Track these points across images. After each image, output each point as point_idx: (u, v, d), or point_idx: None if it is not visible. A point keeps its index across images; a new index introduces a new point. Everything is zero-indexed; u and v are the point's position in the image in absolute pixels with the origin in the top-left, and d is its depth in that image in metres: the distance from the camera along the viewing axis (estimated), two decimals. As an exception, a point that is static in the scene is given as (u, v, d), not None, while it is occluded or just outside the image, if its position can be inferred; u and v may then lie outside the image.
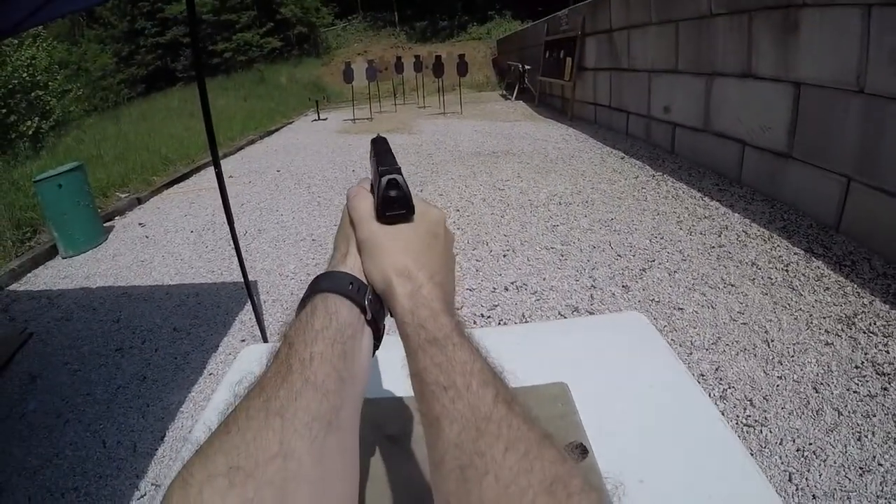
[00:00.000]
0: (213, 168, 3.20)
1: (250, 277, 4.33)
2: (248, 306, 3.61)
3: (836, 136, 4.19)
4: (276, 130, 13.62)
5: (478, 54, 22.27)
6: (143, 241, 5.67)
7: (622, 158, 6.99)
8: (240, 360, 1.31)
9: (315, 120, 14.58)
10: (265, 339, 3.52)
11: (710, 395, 2.75)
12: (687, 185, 5.66)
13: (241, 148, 11.05)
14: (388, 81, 15.66)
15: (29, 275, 5.21)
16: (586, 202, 5.43)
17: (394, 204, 0.57)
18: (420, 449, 0.94)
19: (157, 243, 5.54)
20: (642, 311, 3.44)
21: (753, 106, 5.24)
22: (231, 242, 3.38)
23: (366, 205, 0.60)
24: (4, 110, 11.43)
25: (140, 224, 6.30)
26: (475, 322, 3.52)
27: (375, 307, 0.55)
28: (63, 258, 5.45)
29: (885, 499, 2.16)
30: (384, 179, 0.57)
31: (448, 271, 0.60)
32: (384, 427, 1.04)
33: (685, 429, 0.96)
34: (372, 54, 23.41)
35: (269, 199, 6.67)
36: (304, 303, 0.55)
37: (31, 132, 11.73)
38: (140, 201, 7.31)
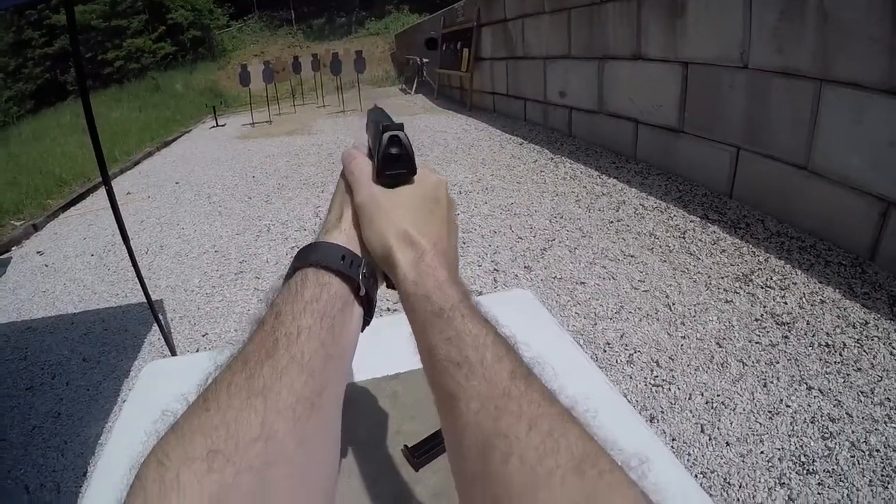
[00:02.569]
0: (104, 186, 2.98)
1: (154, 296, 4.12)
2: (156, 326, 3.43)
3: (724, 109, 4.33)
4: (174, 140, 13.03)
5: (376, 50, 22.15)
6: (42, 270, 5.28)
7: (521, 144, 7.03)
8: (143, 378, 1.24)
9: (213, 127, 14.03)
10: (174, 355, 3.37)
11: (616, 361, 2.81)
12: (585, 165, 5.73)
13: (137, 162, 10.48)
14: (287, 82, 15.31)
15: None
16: (486, 189, 5.41)
17: (396, 162, 0.54)
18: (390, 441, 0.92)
19: (58, 271, 5.18)
20: (545, 288, 3.43)
21: (645, 86, 5.37)
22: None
23: (364, 166, 0.57)
24: None
25: (38, 252, 5.85)
26: (381, 316, 3.42)
27: (369, 283, 0.52)
28: None
29: (797, 436, 2.23)
30: (386, 136, 0.54)
31: (451, 238, 0.57)
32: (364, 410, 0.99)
33: (573, 396, 0.92)
34: (269, 55, 22.82)
35: (169, 214, 6.34)
36: (291, 272, 0.51)
37: None
38: (36, 228, 6.77)
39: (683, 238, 3.86)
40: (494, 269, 3.76)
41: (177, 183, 7.93)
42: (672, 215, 4.23)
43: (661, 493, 0.53)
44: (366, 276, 0.51)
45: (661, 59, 5.06)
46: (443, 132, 8.58)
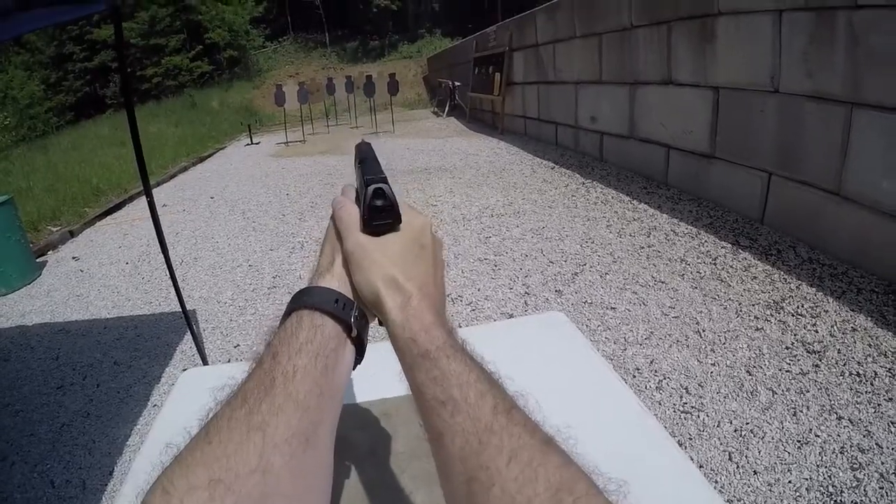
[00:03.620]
0: (145, 197, 3.09)
1: (188, 306, 4.20)
2: (188, 335, 3.51)
3: (755, 134, 4.35)
4: (209, 156, 13.32)
5: (409, 73, 22.43)
6: (77, 275, 5.43)
7: (552, 168, 7.09)
8: (180, 385, 1.28)
9: (248, 144, 14.33)
10: (205, 363, 3.44)
11: (645, 387, 2.80)
12: (616, 190, 5.76)
13: (173, 175, 10.75)
14: (321, 103, 15.57)
15: None
16: (518, 213, 5.46)
17: (380, 213, 0.57)
18: (391, 458, 0.95)
19: (93, 277, 5.32)
20: (576, 312, 3.47)
21: (676, 111, 5.40)
22: (167, 272, 3.28)
23: (351, 215, 0.59)
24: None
25: (74, 258, 6.02)
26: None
27: (361, 324, 0.55)
28: None
29: (826, 467, 2.22)
30: (370, 189, 0.56)
31: (437, 279, 0.59)
32: (352, 436, 1.03)
33: (606, 417, 0.98)
34: (303, 76, 23.31)
35: (203, 227, 6.49)
36: (287, 314, 0.54)
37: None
38: (73, 234, 7.00)
39: (714, 264, 3.87)
40: (525, 293, 3.81)
41: (212, 198, 8.13)
42: (703, 241, 4.24)
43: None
44: (357, 318, 0.54)
45: (692, 84, 5.09)
46: (475, 155, 8.68)
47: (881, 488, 2.11)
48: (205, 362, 3.42)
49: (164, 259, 3.22)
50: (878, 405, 2.48)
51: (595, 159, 7.17)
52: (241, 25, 26.81)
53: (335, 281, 0.56)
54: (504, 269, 4.20)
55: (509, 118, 10.49)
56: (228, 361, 3.55)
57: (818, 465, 2.24)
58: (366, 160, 0.65)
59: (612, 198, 5.55)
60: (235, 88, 24.38)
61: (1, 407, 3.38)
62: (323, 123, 15.54)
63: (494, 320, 3.53)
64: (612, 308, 3.50)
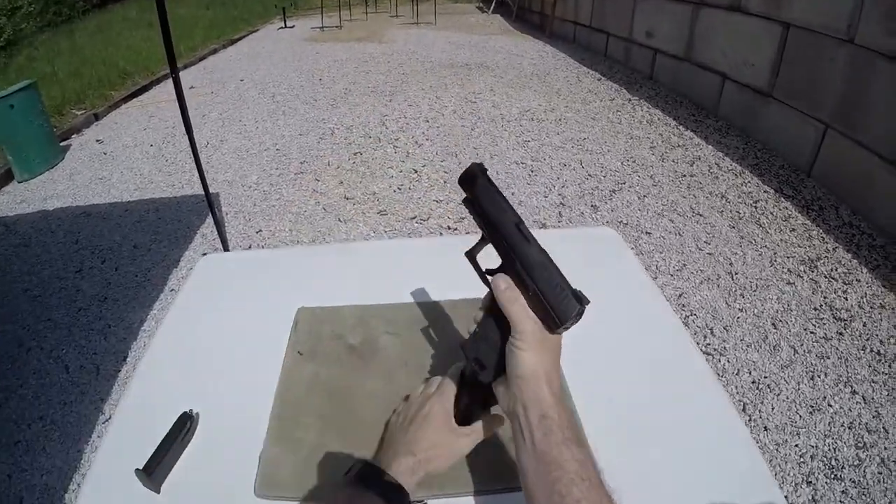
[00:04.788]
0: (171, 76, 2.95)
1: (212, 189, 4.14)
2: (210, 219, 3.45)
3: (819, 81, 4.09)
4: (240, 39, 12.82)
5: (456, -38, 21.40)
6: (100, 157, 5.35)
7: (599, 80, 6.82)
8: (198, 270, 1.28)
9: (281, 28, 13.78)
10: (226, 250, 3.41)
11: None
12: (663, 112, 5.55)
13: (202, 58, 10.35)
14: (361, -12, 14.96)
15: None
16: (559, 120, 5.29)
17: (576, 317, 0.61)
18: (382, 356, 0.98)
19: (116, 159, 5.24)
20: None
21: (739, 40, 5.09)
22: (191, 155, 3.17)
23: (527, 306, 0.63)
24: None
25: (97, 140, 5.91)
26: (441, 234, 3.44)
27: None
28: (19, 182, 5.13)
29: (832, 438, 2.21)
30: (574, 298, 0.61)
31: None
32: (346, 336, 1.02)
33: (658, 355, 0.98)
34: (344, -45, 22.24)
35: (231, 110, 6.33)
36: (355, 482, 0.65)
37: (-21, 57, 10.49)
38: (97, 117, 6.83)
39: (755, 207, 3.75)
40: (560, 203, 3.72)
41: (241, 80, 7.89)
42: (746, 181, 4.09)
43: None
44: None
45: (761, 15, 4.76)
46: (518, 56, 8.35)
47: (880, 473, 2.11)
48: (225, 247, 3.40)
49: (188, 141, 3.08)
50: (893, 388, 2.44)
51: (645, 77, 6.88)
52: None
53: (410, 479, 0.65)
54: (540, 176, 4.10)
55: (559, 22, 10.02)
56: (249, 248, 3.52)
57: (825, 435, 2.24)
58: (488, 201, 0.69)
59: (658, 119, 5.35)
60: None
61: (20, 292, 3.40)
62: (361, 10, 14.92)
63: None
64: (647, 233, 3.43)
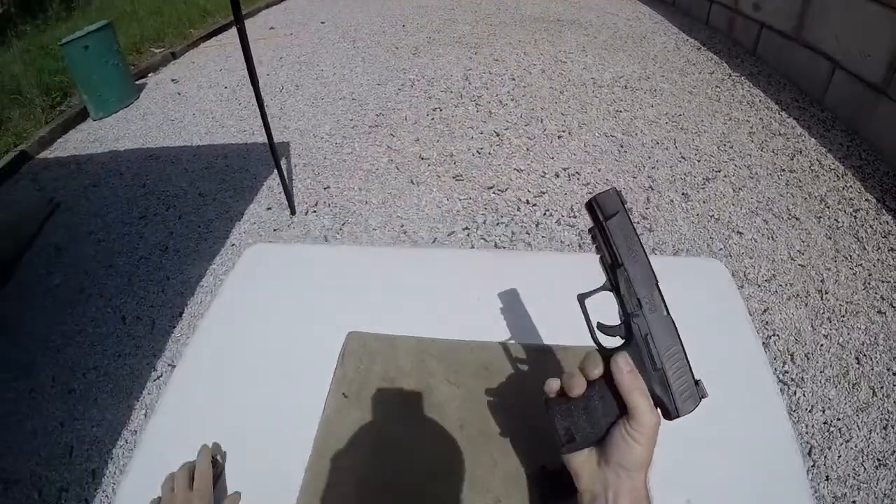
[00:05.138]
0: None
1: (282, 137, 4.14)
2: (276, 168, 3.41)
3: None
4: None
5: None
6: (174, 98, 5.38)
7: (698, 49, 6.44)
8: (244, 260, 1.23)
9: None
10: (292, 210, 3.41)
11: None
12: (765, 93, 5.20)
13: None
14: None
15: (59, 140, 5.01)
16: (654, 90, 5.00)
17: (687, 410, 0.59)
18: (438, 411, 0.87)
19: (190, 100, 5.26)
20: (699, 226, 3.22)
21: (856, 25, 4.68)
22: (265, 101, 3.20)
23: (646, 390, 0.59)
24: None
25: (173, 80, 5.93)
26: (519, 209, 3.31)
27: None
28: (94, 120, 5.23)
29: (891, 499, 2.08)
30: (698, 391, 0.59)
31: None
32: (400, 380, 0.93)
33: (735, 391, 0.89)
34: None
35: (310, 53, 6.22)
36: None
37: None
38: (174, 56, 6.84)
39: (854, 216, 3.46)
40: (650, 187, 3.54)
41: (322, 22, 7.73)
42: (848, 184, 3.78)
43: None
44: None
45: (884, 3, 4.39)
46: (614, 15, 7.94)
47: None
48: (290, 202, 3.39)
49: (257, 92, 3.09)
50: None
51: (747, 52, 6.46)
52: None
53: None
54: (631, 153, 3.90)
55: (658, -19, 9.53)
56: (316, 205, 3.45)
57: (885, 495, 2.10)
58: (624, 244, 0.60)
59: (760, 102, 5.01)
60: None
61: (85, 235, 3.44)
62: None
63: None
64: (738, 232, 3.23)
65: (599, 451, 0.59)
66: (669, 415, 0.58)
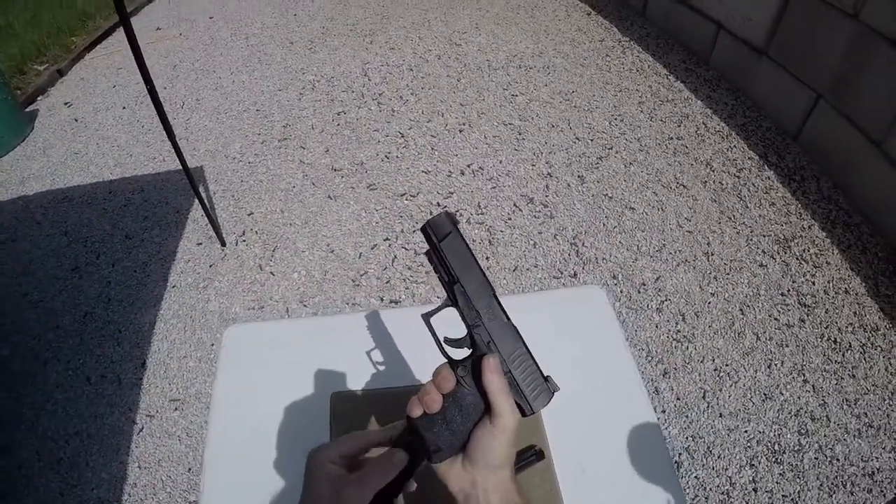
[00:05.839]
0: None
1: (195, 162, 4.05)
2: (198, 201, 3.40)
3: (817, 49, 4.01)
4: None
5: None
6: (72, 125, 5.08)
7: (588, 15, 6.60)
8: (227, 344, 1.33)
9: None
10: (222, 242, 3.40)
11: (647, 306, 2.92)
12: (653, 57, 5.44)
13: None
14: None
15: None
16: (547, 67, 5.17)
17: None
18: None
19: (89, 127, 4.98)
20: (594, 206, 3.44)
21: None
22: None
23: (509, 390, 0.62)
24: None
25: (66, 104, 5.57)
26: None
27: None
28: None
29: (779, 425, 2.44)
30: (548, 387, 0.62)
31: None
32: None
33: (621, 421, 1.16)
34: None
35: (204, 57, 6.00)
36: None
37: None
38: (61, 73, 6.36)
39: (738, 177, 3.78)
40: (548, 174, 3.73)
41: (211, 17, 7.35)
42: (732, 145, 4.09)
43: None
44: None
45: None
46: (504, -20, 8.05)
47: (816, 458, 2.33)
48: (219, 235, 3.38)
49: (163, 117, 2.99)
50: (841, 378, 2.62)
51: (637, 13, 6.67)
52: None
53: None
54: (528, 140, 4.08)
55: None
56: (243, 234, 3.50)
57: (773, 422, 2.45)
58: (459, 262, 0.63)
59: (649, 67, 5.26)
60: None
61: (19, 297, 3.33)
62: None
63: (514, 203, 3.50)
64: (631, 208, 3.48)
65: (464, 455, 0.62)
66: (525, 412, 0.61)
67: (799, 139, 4.14)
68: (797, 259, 3.19)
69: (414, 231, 3.40)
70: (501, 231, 3.31)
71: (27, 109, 5.51)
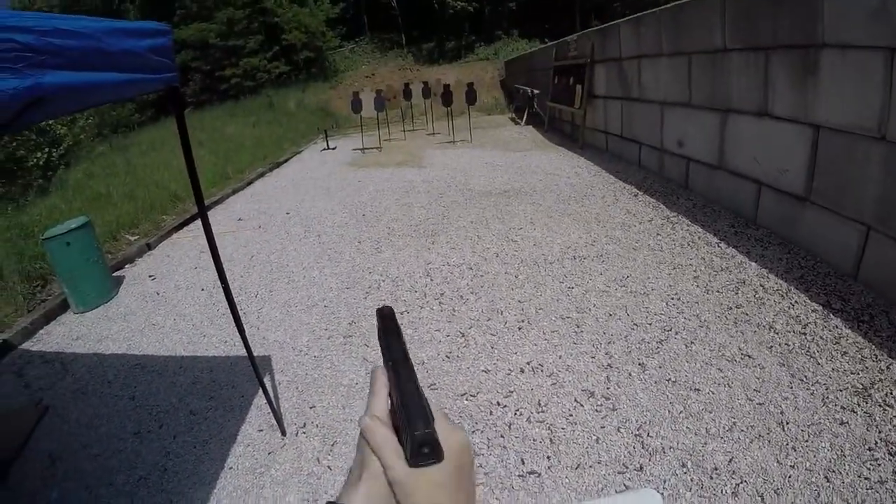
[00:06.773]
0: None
1: (264, 351, 4.23)
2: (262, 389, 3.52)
3: (855, 182, 4.06)
4: (286, 161, 13.64)
5: (486, 75, 22.36)
6: (153, 298, 5.57)
7: (635, 196, 6.90)
8: None
9: (324, 149, 14.59)
10: (283, 431, 3.46)
11: (721, 492, 2.71)
12: (703, 227, 5.55)
13: (250, 182, 11.00)
14: (397, 109, 15.73)
15: (41, 331, 5.21)
16: (601, 255, 5.33)
17: (426, 456, 0.57)
18: None
19: (168, 302, 5.45)
20: (658, 394, 3.36)
21: (770, 146, 5.13)
22: (241, 306, 3.29)
23: (389, 442, 0.60)
24: (14, 143, 10.61)
25: (151, 276, 6.18)
26: (491, 412, 3.46)
27: None
28: (74, 313, 5.43)
29: None
30: (417, 437, 0.57)
31: (470, 500, 0.62)
32: None
33: None
34: (380, 76, 23.63)
35: (279, 251, 6.54)
36: None
37: (41, 163, 11.14)
38: (150, 247, 7.22)
39: (804, 334, 3.66)
40: (608, 365, 3.70)
41: (287, 213, 8.20)
42: (793, 302, 4.01)
43: None
44: None
45: (790, 119, 4.79)
46: (554, 175, 8.55)
47: None
48: (283, 432, 3.44)
49: (233, 294, 3.18)
50: None
51: (680, 186, 6.94)
52: (317, 27, 26.96)
53: (360, 499, 0.58)
54: (587, 332, 4.10)
55: (590, 132, 10.27)
56: (304, 426, 3.58)
57: None
58: (389, 333, 0.70)
59: (699, 238, 5.35)
60: (312, 89, 24.70)
61: (79, 448, 3.49)
62: (399, 128, 15.66)
63: (575, 398, 3.45)
64: (696, 390, 3.38)
65: None
66: (408, 458, 0.59)
67: (859, 277, 4.04)
68: (880, 406, 2.97)
69: (474, 432, 3.37)
70: (563, 428, 3.25)
71: (115, 274, 6.05)
